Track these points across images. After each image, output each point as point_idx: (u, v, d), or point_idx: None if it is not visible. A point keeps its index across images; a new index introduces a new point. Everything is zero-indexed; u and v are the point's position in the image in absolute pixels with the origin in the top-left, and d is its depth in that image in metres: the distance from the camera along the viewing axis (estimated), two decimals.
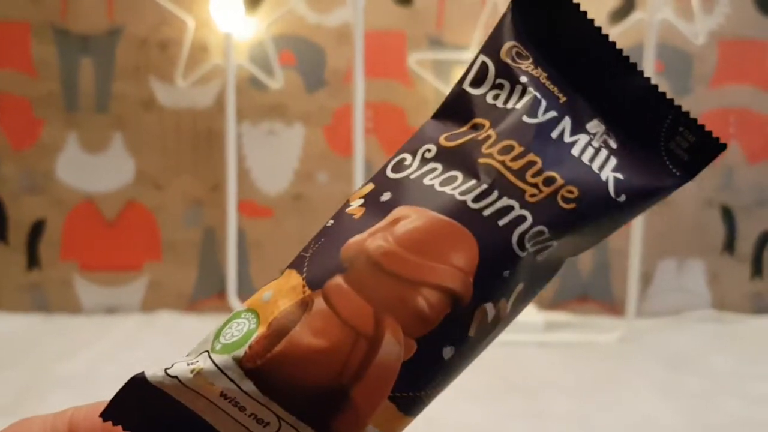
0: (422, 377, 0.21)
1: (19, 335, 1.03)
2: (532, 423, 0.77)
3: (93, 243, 1.13)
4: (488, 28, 1.09)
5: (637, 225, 1.03)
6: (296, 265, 0.22)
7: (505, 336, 0.89)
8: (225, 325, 0.21)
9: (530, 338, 1.02)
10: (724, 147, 0.23)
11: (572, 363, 0.96)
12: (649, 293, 1.19)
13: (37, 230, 1.12)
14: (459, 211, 0.21)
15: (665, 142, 0.23)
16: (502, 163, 0.22)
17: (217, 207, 1.13)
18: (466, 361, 0.22)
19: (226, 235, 1.10)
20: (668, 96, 0.23)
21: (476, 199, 0.21)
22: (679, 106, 0.23)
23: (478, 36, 1.08)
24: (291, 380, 0.20)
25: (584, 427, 0.77)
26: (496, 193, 0.21)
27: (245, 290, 1.14)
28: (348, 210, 0.22)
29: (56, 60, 1.09)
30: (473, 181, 0.22)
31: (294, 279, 0.21)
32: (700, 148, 0.23)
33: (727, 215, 1.19)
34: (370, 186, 0.23)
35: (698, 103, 1.16)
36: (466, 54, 1.09)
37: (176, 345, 1.00)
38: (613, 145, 0.23)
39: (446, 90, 1.09)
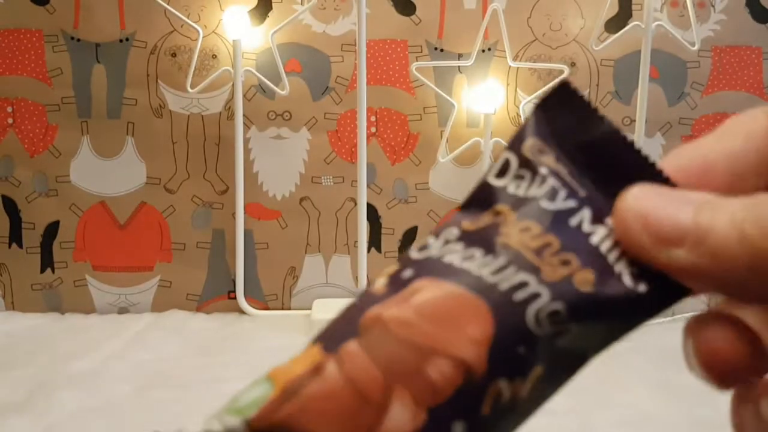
0: None
1: (32, 335, 1.04)
2: (529, 420, 0.78)
3: (105, 245, 1.15)
4: (486, 37, 1.11)
5: None
6: (319, 336, 0.22)
7: None
8: (245, 389, 0.21)
9: None
10: None
11: None
12: None
13: (51, 233, 1.14)
14: (475, 284, 0.21)
15: None
16: (520, 241, 0.22)
17: (226, 210, 1.15)
18: None
19: (234, 237, 1.12)
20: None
21: (493, 274, 0.21)
22: None
23: (478, 44, 1.09)
24: None
25: (581, 423, 0.78)
26: (512, 268, 0.21)
27: (253, 290, 1.16)
28: (372, 288, 0.23)
29: (69, 67, 1.11)
30: (491, 257, 0.22)
31: (313, 348, 0.21)
32: None
33: None
34: (395, 267, 0.23)
35: (693, 109, 1.18)
36: (467, 62, 1.11)
37: (186, 343, 1.02)
38: None
39: (447, 96, 1.11)
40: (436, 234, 0.23)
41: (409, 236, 1.17)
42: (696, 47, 1.08)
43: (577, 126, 0.24)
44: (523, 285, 0.21)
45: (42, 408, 0.80)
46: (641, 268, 0.22)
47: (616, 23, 1.14)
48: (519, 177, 0.24)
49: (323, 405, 0.20)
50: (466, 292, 0.21)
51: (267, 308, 1.16)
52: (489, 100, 1.10)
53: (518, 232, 0.22)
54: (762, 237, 0.18)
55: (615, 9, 1.14)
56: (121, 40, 1.11)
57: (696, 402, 0.82)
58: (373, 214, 1.16)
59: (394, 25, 1.13)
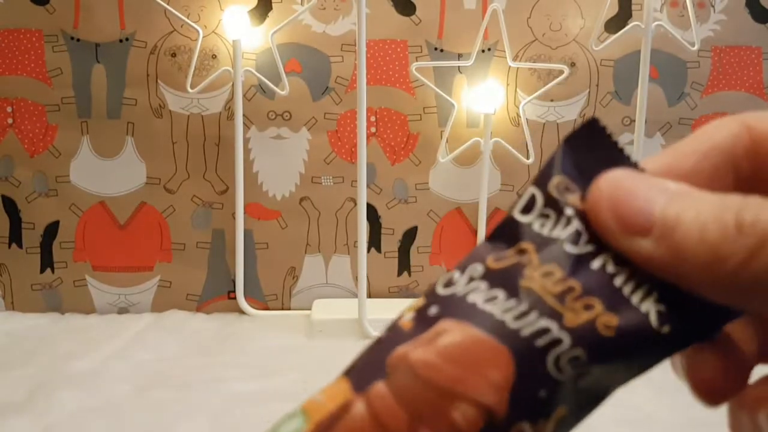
0: None
1: (32, 334, 1.04)
2: None
3: (105, 245, 1.15)
4: (486, 37, 1.11)
5: None
6: (348, 371, 0.23)
7: None
8: (281, 422, 0.22)
9: None
10: None
11: None
12: None
13: (50, 232, 1.14)
14: (498, 329, 0.22)
15: None
16: (543, 286, 0.22)
17: (226, 210, 1.15)
18: None
19: (234, 237, 1.12)
20: None
21: (515, 319, 0.22)
22: None
23: (478, 44, 1.09)
24: None
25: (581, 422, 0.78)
26: (535, 314, 0.22)
27: (252, 290, 1.16)
28: (399, 322, 0.23)
29: (69, 67, 1.11)
30: (513, 302, 0.22)
31: (343, 383, 0.22)
32: None
33: None
34: (422, 301, 0.24)
35: (693, 109, 1.18)
36: (466, 62, 1.11)
37: (186, 343, 1.02)
38: (656, 279, 0.22)
39: (447, 96, 1.11)
40: (462, 268, 0.24)
41: (409, 236, 1.17)
42: (696, 47, 1.08)
43: (604, 164, 0.24)
44: (544, 331, 0.21)
45: (42, 408, 0.80)
46: (668, 306, 0.22)
47: (615, 23, 1.14)
48: (544, 216, 0.24)
49: None
50: (489, 337, 0.21)
51: (267, 308, 1.16)
52: (489, 100, 1.10)
53: (541, 276, 0.22)
54: (720, 238, 0.19)
55: (615, 9, 1.15)
56: (121, 40, 1.11)
57: (695, 401, 0.82)
58: (372, 214, 1.16)
59: (394, 25, 1.13)
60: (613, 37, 1.08)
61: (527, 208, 0.24)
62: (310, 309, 1.12)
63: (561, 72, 1.11)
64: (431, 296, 0.23)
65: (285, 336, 1.05)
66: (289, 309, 1.17)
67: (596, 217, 0.21)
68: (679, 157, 0.23)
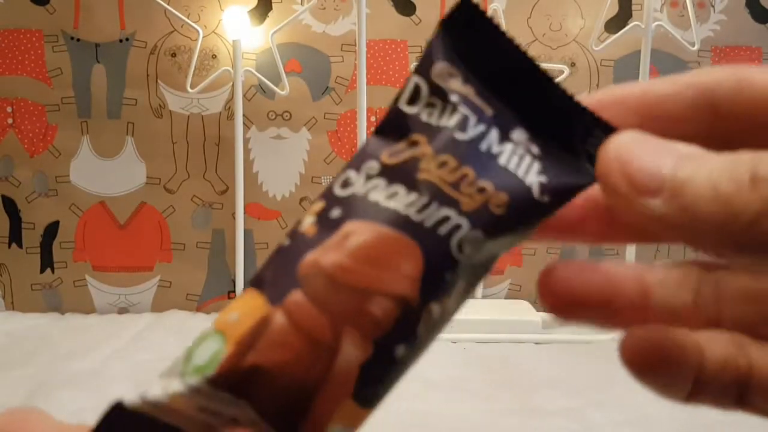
0: (377, 375, 0.23)
1: (32, 334, 1.04)
2: (529, 420, 0.78)
3: (105, 245, 1.15)
4: None
5: None
6: (257, 284, 0.23)
7: (503, 334, 0.91)
8: (195, 346, 0.22)
9: (528, 337, 1.04)
10: None
11: (570, 361, 0.96)
12: None
13: (50, 232, 1.14)
14: (404, 224, 0.23)
15: (581, 144, 0.25)
16: (439, 177, 0.23)
17: (226, 210, 1.15)
18: (418, 356, 0.24)
19: (234, 237, 1.12)
20: (584, 105, 0.25)
21: (418, 212, 0.23)
22: (592, 112, 0.25)
23: None
24: (258, 390, 0.21)
25: (581, 424, 0.78)
26: (435, 205, 0.23)
27: None
28: (301, 229, 0.24)
29: (69, 67, 1.11)
30: (414, 195, 0.23)
31: (256, 298, 0.22)
32: None
33: None
34: (321, 204, 0.24)
35: None
36: None
37: (186, 344, 1.01)
38: (536, 151, 0.25)
39: None
40: (357, 167, 0.24)
41: None
42: (696, 47, 1.08)
43: (481, 42, 0.25)
44: (445, 219, 0.23)
45: (42, 408, 0.80)
46: (547, 177, 0.24)
47: (616, 23, 1.14)
48: (430, 105, 0.24)
49: (279, 355, 0.21)
50: (397, 232, 0.23)
51: None
52: None
53: (436, 167, 0.23)
54: (734, 192, 0.19)
55: (615, 9, 1.14)
56: (121, 40, 1.11)
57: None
58: None
59: (394, 25, 1.13)
60: (613, 37, 1.08)
61: (413, 99, 0.25)
62: None
63: (561, 72, 1.11)
64: (330, 198, 0.24)
65: None
66: None
67: (606, 177, 0.22)
68: (658, 82, 0.24)
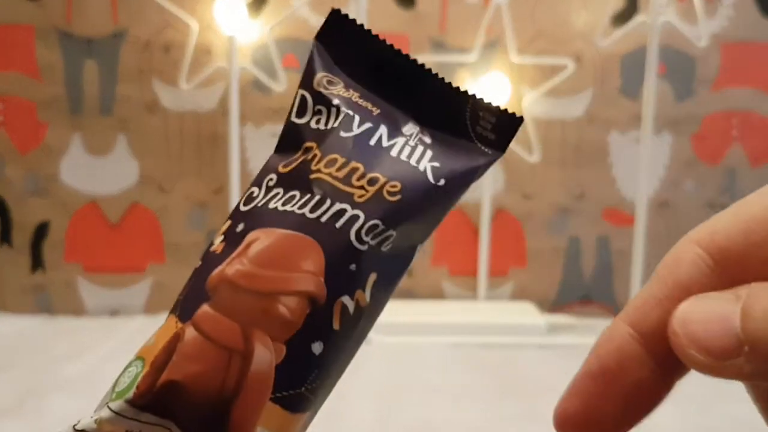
0: (297, 375, 0.23)
1: (22, 337, 1.03)
2: (533, 425, 0.77)
3: (97, 245, 1.13)
4: (490, 31, 1.09)
5: (640, 228, 1.03)
6: (174, 309, 0.24)
7: (507, 338, 0.89)
8: (120, 375, 0.23)
9: (532, 340, 1.02)
10: (521, 120, 0.26)
11: (574, 365, 0.95)
12: None
13: (41, 232, 1.12)
14: (300, 224, 0.24)
15: (472, 128, 0.26)
16: (329, 174, 0.25)
17: (221, 209, 1.13)
18: (340, 353, 0.24)
19: None
20: (464, 89, 0.27)
21: (312, 210, 0.24)
22: (474, 95, 0.26)
23: (481, 38, 1.08)
24: (178, 406, 0.22)
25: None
26: (328, 201, 0.24)
27: None
28: (211, 248, 0.25)
29: (61, 63, 1.10)
30: (308, 195, 0.24)
31: (171, 320, 0.24)
32: (502, 125, 0.27)
33: None
34: (228, 222, 0.25)
35: (701, 106, 1.16)
36: (469, 56, 1.09)
37: None
38: (428, 140, 0.26)
39: None
40: (258, 183, 0.26)
41: None
42: (703, 43, 1.06)
43: (358, 50, 0.27)
44: (341, 213, 0.24)
45: (33, 412, 0.80)
46: (440, 162, 0.25)
47: (622, 18, 1.12)
48: (317, 112, 0.26)
49: (192, 367, 0.22)
50: (294, 232, 0.24)
51: None
52: (494, 96, 1.08)
53: (325, 166, 0.25)
54: None
55: (621, 3, 1.13)
56: (113, 35, 1.09)
57: (698, 408, 0.82)
58: None
59: (395, 19, 1.11)
60: (620, 32, 1.06)
61: (301, 111, 0.26)
62: None
63: (565, 67, 1.09)
64: (235, 215, 0.25)
65: None
66: None
67: (684, 354, 0.21)
68: (648, 307, 0.23)
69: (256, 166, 1.13)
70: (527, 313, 1.10)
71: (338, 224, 0.24)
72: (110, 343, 1.00)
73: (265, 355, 0.22)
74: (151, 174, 1.12)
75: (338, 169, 0.25)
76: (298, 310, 0.23)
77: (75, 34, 1.09)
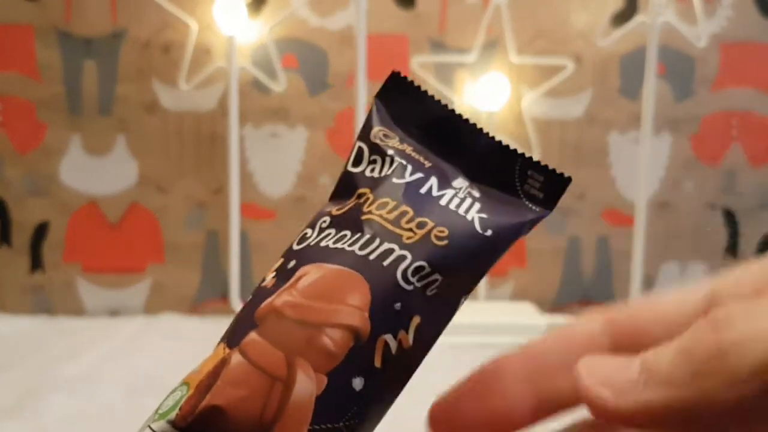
0: (336, 408, 0.23)
1: (21, 337, 1.03)
2: (534, 427, 0.77)
3: (96, 245, 1.13)
4: (490, 32, 1.10)
5: (640, 228, 1.03)
6: (223, 338, 0.25)
7: (508, 338, 0.89)
8: (165, 399, 0.24)
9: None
10: (569, 180, 0.28)
11: None
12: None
13: (40, 232, 1.12)
14: (349, 260, 0.25)
15: (520, 185, 0.28)
16: (380, 216, 0.26)
17: (220, 209, 1.13)
18: (381, 393, 0.25)
19: (229, 238, 1.10)
20: (514, 147, 0.28)
21: (362, 248, 0.25)
22: (523, 154, 0.28)
23: (480, 39, 1.08)
24: (221, 428, 0.22)
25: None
26: (378, 240, 0.25)
27: (247, 292, 1.14)
28: (263, 284, 0.26)
29: (60, 63, 1.09)
30: (359, 234, 0.26)
31: (219, 348, 0.24)
32: (550, 184, 0.28)
33: (730, 218, 1.19)
34: (281, 261, 0.27)
35: (700, 106, 1.16)
36: (468, 57, 1.09)
37: (179, 347, 1.00)
38: (477, 194, 0.27)
39: (448, 92, 1.09)
40: (312, 226, 0.27)
41: None
42: (703, 43, 1.06)
43: (415, 109, 0.29)
44: (389, 252, 0.25)
45: (32, 413, 0.79)
46: (487, 214, 0.26)
47: (621, 18, 1.12)
48: (373, 162, 0.28)
49: (236, 392, 0.22)
50: (343, 268, 0.25)
51: None
52: (493, 96, 1.08)
53: (376, 208, 0.26)
54: (696, 336, 0.20)
55: (621, 3, 1.13)
56: (112, 35, 1.09)
57: None
58: None
59: (394, 19, 1.11)
60: (619, 32, 1.06)
61: (357, 161, 0.28)
62: None
63: (565, 67, 1.09)
64: (288, 254, 0.26)
65: None
66: None
67: (585, 394, 0.22)
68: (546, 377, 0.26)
69: (255, 166, 1.13)
70: (527, 314, 1.10)
71: (386, 263, 0.25)
72: (110, 343, 1.00)
73: (307, 384, 0.23)
74: (151, 174, 1.12)
75: (389, 212, 0.26)
76: (341, 343, 0.23)
77: (74, 34, 1.09)
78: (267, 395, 0.22)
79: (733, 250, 1.19)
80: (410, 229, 0.25)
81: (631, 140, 1.15)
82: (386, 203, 0.26)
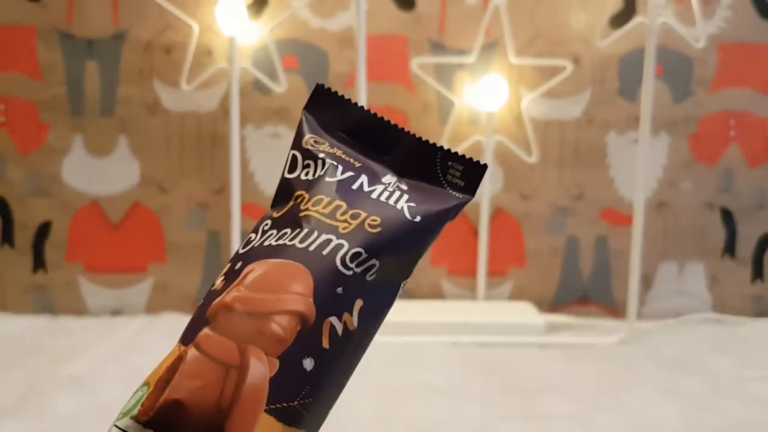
0: (290, 388, 0.25)
1: (24, 337, 1.03)
2: (532, 424, 0.77)
3: (98, 245, 1.13)
4: (489, 33, 1.10)
5: (638, 227, 1.04)
6: (180, 339, 0.27)
7: (507, 338, 0.90)
8: (129, 400, 0.25)
9: (531, 340, 1.02)
10: (485, 167, 0.31)
11: (573, 365, 0.95)
12: (649, 296, 1.19)
13: (42, 232, 1.12)
14: (291, 253, 0.27)
15: (443, 176, 0.30)
16: (317, 211, 0.28)
17: (221, 209, 1.13)
18: (332, 373, 0.26)
19: (230, 238, 1.10)
20: (434, 142, 0.31)
21: (302, 241, 0.27)
22: (442, 147, 0.30)
23: (480, 40, 1.08)
24: (181, 419, 0.23)
25: (584, 429, 0.76)
26: (316, 233, 0.27)
27: None
28: (213, 288, 0.28)
29: (62, 64, 1.09)
30: (298, 230, 0.28)
31: (175, 348, 0.26)
32: (469, 173, 0.30)
33: (728, 218, 1.19)
34: (228, 265, 0.28)
35: (699, 107, 1.16)
36: (468, 58, 1.10)
37: None
38: (404, 187, 0.30)
39: (447, 93, 1.09)
40: (255, 230, 0.29)
41: None
42: (701, 44, 1.06)
43: (341, 116, 0.32)
44: (327, 242, 0.27)
45: (34, 412, 0.79)
46: (416, 202, 0.29)
47: (620, 19, 1.12)
48: (306, 166, 0.30)
49: (192, 383, 0.24)
50: (285, 261, 0.27)
51: None
52: (492, 97, 1.08)
53: (313, 205, 0.28)
54: None
55: (619, 4, 1.13)
56: (114, 36, 1.09)
57: (699, 407, 0.82)
58: None
59: (394, 21, 1.11)
60: (618, 33, 1.06)
61: (292, 167, 0.31)
62: None
63: (564, 68, 1.10)
64: (234, 258, 0.28)
65: None
66: None
67: None
68: None
69: (256, 167, 1.13)
70: (526, 313, 1.10)
71: (325, 252, 0.27)
72: (111, 342, 1.00)
73: (260, 368, 0.24)
74: (152, 174, 1.12)
75: (324, 207, 0.28)
76: (289, 328, 0.25)
77: (76, 35, 1.09)
78: (222, 383, 0.24)
79: (731, 249, 1.20)
80: (345, 221, 0.28)
81: (629, 141, 1.16)
82: (321, 200, 0.28)
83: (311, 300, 0.26)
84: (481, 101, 1.09)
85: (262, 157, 1.13)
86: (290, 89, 1.10)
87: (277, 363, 0.25)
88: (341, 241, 0.27)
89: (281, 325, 0.25)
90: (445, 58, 1.12)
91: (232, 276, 0.27)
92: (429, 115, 1.13)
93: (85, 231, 1.13)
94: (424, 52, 1.12)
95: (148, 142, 1.12)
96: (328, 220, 0.28)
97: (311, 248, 0.27)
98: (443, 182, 0.30)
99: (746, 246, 1.20)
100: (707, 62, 1.16)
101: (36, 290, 1.13)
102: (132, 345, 1.00)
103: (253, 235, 0.29)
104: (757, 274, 1.20)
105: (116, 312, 1.14)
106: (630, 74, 1.14)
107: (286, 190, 0.30)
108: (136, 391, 0.25)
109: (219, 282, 0.28)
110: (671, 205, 1.18)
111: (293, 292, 0.26)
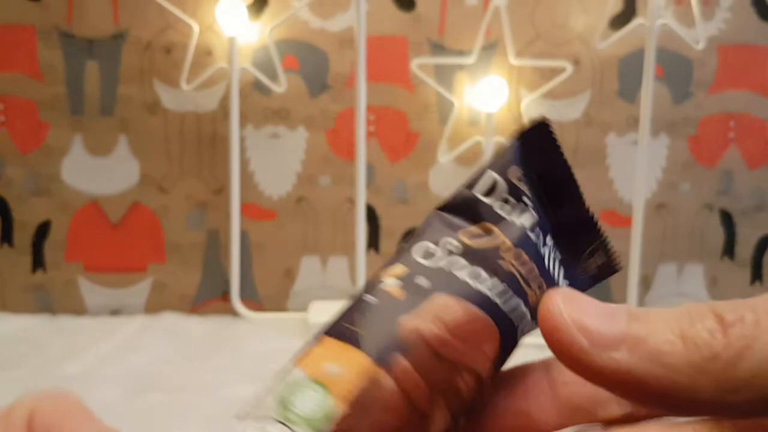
0: None
1: (23, 336, 1.03)
2: None
3: (98, 245, 1.13)
4: (489, 34, 1.10)
5: (637, 229, 1.04)
6: (337, 335, 0.24)
7: None
8: (288, 392, 0.22)
9: (529, 341, 1.02)
10: (620, 269, 0.29)
11: None
12: (648, 297, 1.19)
13: (42, 232, 1.12)
14: (488, 306, 0.25)
15: (585, 259, 0.29)
16: (515, 268, 0.26)
17: (221, 210, 1.13)
18: None
19: (229, 238, 1.11)
20: (601, 226, 0.29)
21: (498, 296, 0.25)
22: (602, 235, 0.29)
23: (479, 41, 1.08)
24: None
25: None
26: (511, 293, 0.25)
27: (248, 292, 1.14)
28: (386, 288, 0.25)
29: (62, 64, 1.09)
30: (495, 279, 0.25)
31: (353, 353, 0.23)
32: (605, 268, 0.29)
33: (727, 220, 1.19)
34: (403, 268, 0.26)
35: (698, 108, 1.16)
36: (468, 59, 1.10)
37: (180, 346, 1.00)
38: (558, 257, 0.28)
39: (447, 94, 1.10)
40: (434, 242, 0.26)
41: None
42: (701, 46, 1.06)
43: (545, 160, 0.29)
44: (516, 308, 0.25)
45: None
46: (569, 281, 0.28)
47: (620, 20, 1.13)
48: (505, 200, 0.27)
49: (389, 419, 0.22)
50: (482, 312, 0.24)
51: (262, 310, 1.15)
52: (492, 98, 1.08)
53: (513, 258, 0.26)
54: (706, 338, 0.19)
55: (619, 6, 1.13)
56: (114, 36, 1.09)
57: None
58: (371, 214, 1.14)
59: (394, 21, 1.11)
60: (618, 34, 1.06)
61: (489, 191, 0.27)
62: (306, 311, 1.10)
63: (563, 70, 1.10)
64: (412, 265, 0.26)
65: (281, 339, 1.04)
66: (286, 311, 1.16)
67: (558, 336, 0.21)
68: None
69: (256, 167, 1.13)
70: None
71: (513, 318, 0.25)
72: (111, 342, 1.00)
73: (440, 421, 0.23)
74: (152, 174, 1.12)
75: (522, 265, 0.26)
76: (470, 386, 0.24)
77: (76, 34, 1.09)
78: (409, 427, 0.23)
79: (730, 251, 1.20)
80: (534, 290, 0.26)
81: (629, 142, 1.16)
82: (521, 255, 0.26)
83: (492, 363, 0.24)
84: (481, 102, 1.09)
85: (262, 157, 1.13)
86: (290, 89, 1.10)
87: (450, 420, 0.24)
88: (526, 311, 0.25)
89: (466, 383, 0.24)
90: (445, 59, 1.12)
91: (413, 289, 0.25)
92: (429, 116, 1.13)
93: (84, 231, 1.13)
94: (424, 52, 1.12)
95: (148, 142, 1.12)
96: (523, 284, 0.26)
97: (504, 308, 0.25)
98: (584, 265, 0.29)
99: (745, 248, 1.20)
100: (707, 64, 1.16)
101: (35, 290, 1.13)
102: (131, 345, 1.00)
103: (432, 247, 0.26)
104: (757, 275, 1.21)
105: (115, 311, 1.14)
106: (630, 76, 1.14)
107: (470, 209, 0.27)
108: (297, 384, 0.23)
109: (395, 286, 0.25)
110: (670, 206, 1.18)
111: (483, 350, 0.24)
